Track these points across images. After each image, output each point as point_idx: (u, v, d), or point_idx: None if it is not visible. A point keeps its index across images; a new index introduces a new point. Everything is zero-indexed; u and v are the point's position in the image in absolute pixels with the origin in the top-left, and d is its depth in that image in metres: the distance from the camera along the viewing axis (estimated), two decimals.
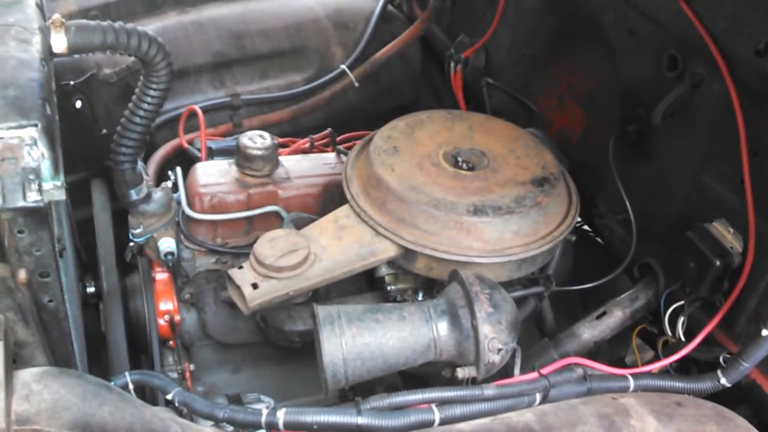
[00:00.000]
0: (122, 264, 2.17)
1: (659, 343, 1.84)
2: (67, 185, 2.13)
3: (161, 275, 2.04)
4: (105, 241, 2.08)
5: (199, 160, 2.21)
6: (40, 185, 1.27)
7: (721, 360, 1.61)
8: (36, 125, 1.27)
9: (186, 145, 2.29)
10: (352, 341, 1.44)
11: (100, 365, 2.03)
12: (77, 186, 2.37)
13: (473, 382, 1.50)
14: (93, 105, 2.32)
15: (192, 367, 1.93)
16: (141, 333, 2.02)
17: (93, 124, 2.33)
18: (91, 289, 2.15)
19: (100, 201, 2.15)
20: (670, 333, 1.79)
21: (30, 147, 1.26)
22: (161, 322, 1.99)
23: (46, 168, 1.27)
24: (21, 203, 1.26)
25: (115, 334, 1.98)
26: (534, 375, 1.49)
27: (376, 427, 1.34)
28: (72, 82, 2.25)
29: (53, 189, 1.29)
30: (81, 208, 2.31)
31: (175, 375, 1.97)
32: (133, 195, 1.87)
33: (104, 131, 2.33)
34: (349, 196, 1.80)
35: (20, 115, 1.28)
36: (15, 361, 1.37)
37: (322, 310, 1.49)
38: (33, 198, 1.27)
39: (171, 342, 2.01)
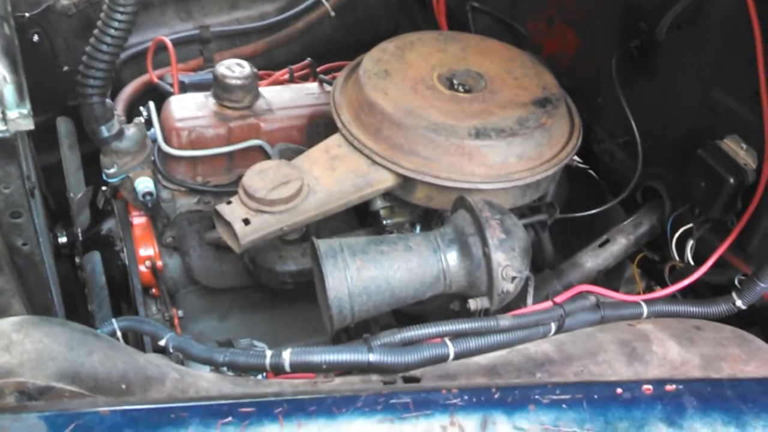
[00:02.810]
0: (95, 211, 2.04)
1: (666, 268, 1.79)
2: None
3: (139, 219, 1.92)
4: (76, 184, 1.93)
5: (171, 95, 2.06)
6: (4, 113, 1.14)
7: (735, 282, 1.55)
8: None
9: (156, 80, 2.13)
10: (357, 275, 1.35)
11: (77, 318, 1.91)
12: (39, 129, 2.20)
13: (485, 313, 1.42)
14: (52, 39, 2.14)
15: (180, 313, 1.82)
16: (121, 282, 1.90)
17: (53, 59, 2.16)
18: (63, 239, 2.02)
19: (68, 140, 1.99)
20: (677, 258, 1.73)
21: None
22: (142, 268, 1.87)
23: (9, 94, 1.14)
24: None
25: (97, 282, 1.86)
26: (548, 304, 1.41)
27: (388, 364, 1.25)
28: (27, 14, 2.07)
29: (19, 118, 1.16)
30: (45, 154, 2.16)
31: None
32: (105, 131, 1.73)
33: (66, 68, 2.16)
34: (339, 124, 1.68)
35: None
36: None
37: (323, 244, 1.38)
38: None
39: (154, 290, 1.89)
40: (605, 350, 1.34)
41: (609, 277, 2.09)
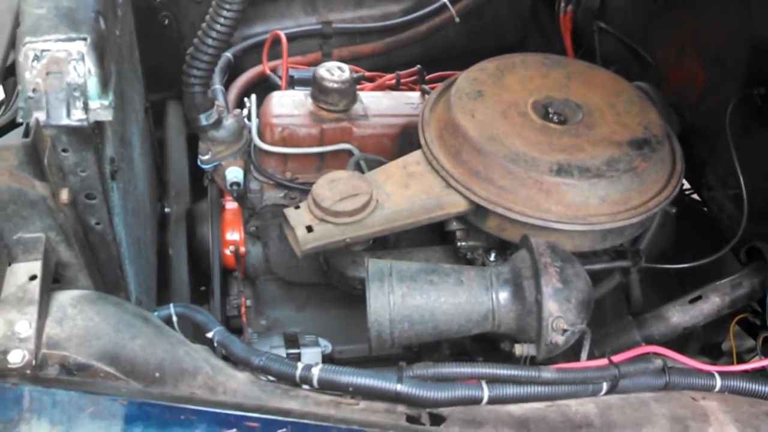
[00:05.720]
0: (199, 187, 2.13)
1: (759, 338, 1.63)
2: (149, 104, 2.10)
3: (231, 204, 1.99)
4: (177, 166, 2.03)
5: (280, 88, 2.11)
6: (86, 103, 1.21)
7: None
8: (85, 39, 1.20)
9: (268, 71, 2.19)
10: (401, 302, 1.33)
11: (165, 289, 2.01)
12: (161, 105, 2.34)
13: (532, 361, 1.36)
14: (180, 23, 2.26)
15: (249, 302, 1.87)
16: (206, 261, 1.99)
17: (179, 42, 2.27)
18: (168, 209, 2.13)
19: (175, 123, 2.09)
20: None
21: (77, 62, 1.20)
22: (227, 252, 1.94)
23: (92, 85, 1.21)
24: (65, 121, 1.21)
25: (179, 261, 1.96)
26: (603, 361, 1.33)
27: (415, 397, 1.23)
28: None
29: (100, 108, 1.23)
30: (163, 128, 2.29)
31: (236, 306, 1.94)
32: (203, 120, 1.80)
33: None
34: (422, 141, 1.65)
35: (70, 27, 1.22)
36: (59, 281, 1.35)
37: (373, 264, 1.37)
38: (77, 116, 1.21)
39: (237, 272, 1.96)
40: (653, 424, 1.25)
41: (710, 329, 1.95)
